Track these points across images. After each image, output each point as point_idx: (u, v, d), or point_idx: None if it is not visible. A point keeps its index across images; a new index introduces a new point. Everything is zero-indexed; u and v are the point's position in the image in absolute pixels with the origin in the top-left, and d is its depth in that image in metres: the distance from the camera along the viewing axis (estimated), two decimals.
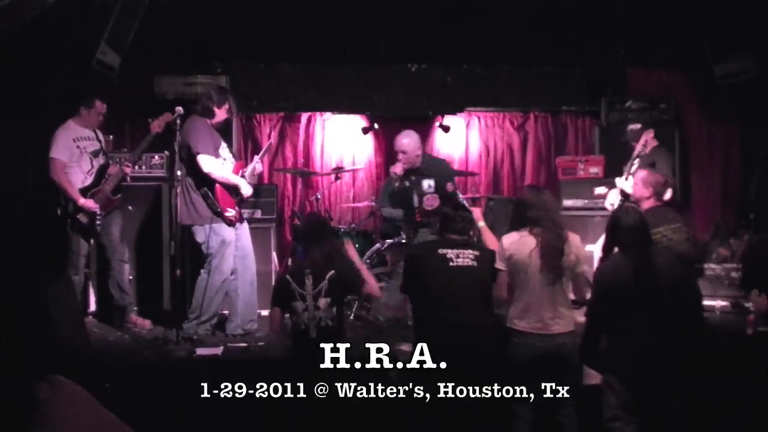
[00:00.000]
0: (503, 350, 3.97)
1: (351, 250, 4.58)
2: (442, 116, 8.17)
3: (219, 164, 5.60)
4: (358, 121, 8.14)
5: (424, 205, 5.94)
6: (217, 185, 5.56)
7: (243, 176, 5.74)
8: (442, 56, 7.96)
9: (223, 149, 5.75)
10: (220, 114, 5.73)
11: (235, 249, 5.69)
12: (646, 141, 5.99)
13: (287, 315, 4.30)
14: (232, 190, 5.66)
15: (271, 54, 7.82)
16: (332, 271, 4.17)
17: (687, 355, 3.84)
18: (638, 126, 6.11)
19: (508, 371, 3.92)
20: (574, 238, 4.00)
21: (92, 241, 5.94)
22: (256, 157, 6.07)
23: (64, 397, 1.66)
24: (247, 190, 5.72)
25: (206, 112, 5.68)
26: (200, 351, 5.20)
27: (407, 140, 6.37)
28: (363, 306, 6.12)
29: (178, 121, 5.44)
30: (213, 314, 5.69)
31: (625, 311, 3.76)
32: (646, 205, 5.33)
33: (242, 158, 7.12)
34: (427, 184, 6.00)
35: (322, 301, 4.12)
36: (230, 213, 5.60)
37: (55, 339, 4.57)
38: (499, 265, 3.99)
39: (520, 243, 3.91)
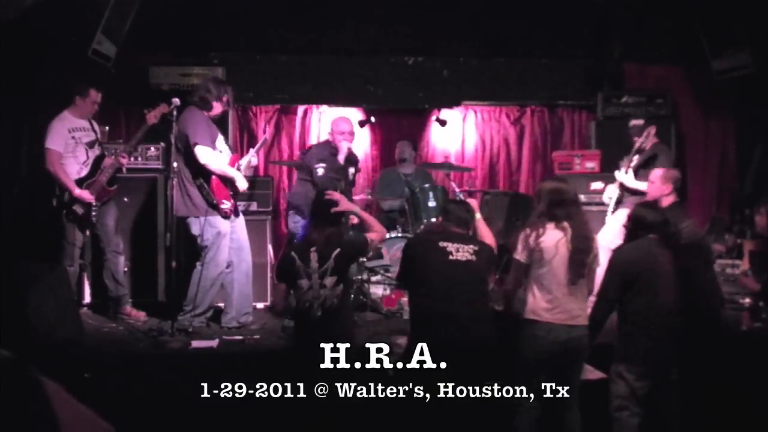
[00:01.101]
0: (516, 343, 3.93)
1: (346, 203, 4.40)
2: (439, 110, 8.16)
3: (216, 156, 5.58)
4: (354, 114, 8.12)
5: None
6: (213, 177, 5.54)
7: (239, 169, 5.73)
8: (439, 49, 7.94)
9: (220, 141, 5.72)
10: (218, 107, 5.70)
11: (230, 241, 5.67)
12: (648, 136, 6.00)
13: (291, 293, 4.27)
14: (228, 182, 5.63)
15: (267, 45, 7.79)
16: (338, 249, 4.13)
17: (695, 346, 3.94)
18: (641, 122, 6.11)
19: (521, 364, 3.90)
20: (595, 236, 4.05)
21: (87, 232, 5.93)
22: (252, 150, 6.05)
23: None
24: (242, 184, 5.70)
25: (204, 104, 5.65)
26: (195, 344, 5.19)
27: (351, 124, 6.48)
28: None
29: (175, 113, 5.42)
30: (208, 307, 5.67)
31: (639, 297, 3.91)
32: (667, 201, 5.42)
33: (238, 150, 7.11)
34: (351, 172, 6.21)
35: (329, 280, 4.09)
36: (226, 205, 5.58)
37: (34, 334, 4.59)
38: (520, 256, 3.93)
39: (546, 235, 3.88)
